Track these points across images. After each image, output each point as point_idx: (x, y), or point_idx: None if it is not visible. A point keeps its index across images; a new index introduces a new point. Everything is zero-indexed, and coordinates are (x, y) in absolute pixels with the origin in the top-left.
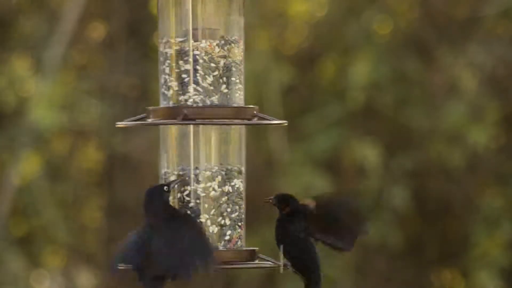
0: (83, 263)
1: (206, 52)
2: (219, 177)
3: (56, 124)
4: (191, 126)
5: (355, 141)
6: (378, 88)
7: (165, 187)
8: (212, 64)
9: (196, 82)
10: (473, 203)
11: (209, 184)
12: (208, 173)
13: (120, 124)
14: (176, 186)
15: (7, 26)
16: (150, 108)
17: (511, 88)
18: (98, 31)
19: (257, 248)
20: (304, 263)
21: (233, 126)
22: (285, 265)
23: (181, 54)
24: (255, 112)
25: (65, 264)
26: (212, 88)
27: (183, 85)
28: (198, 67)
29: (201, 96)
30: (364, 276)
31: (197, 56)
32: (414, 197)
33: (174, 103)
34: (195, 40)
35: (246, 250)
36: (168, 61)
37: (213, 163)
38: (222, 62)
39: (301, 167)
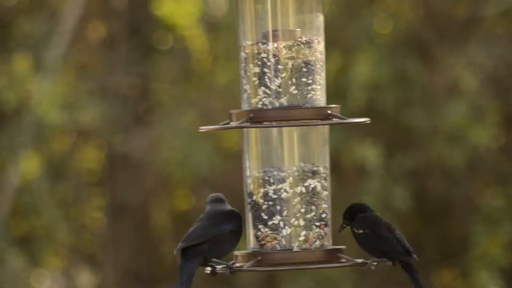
0: (83, 263)
1: (273, 54)
2: (290, 179)
3: (56, 124)
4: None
5: (355, 142)
6: (379, 88)
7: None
8: (280, 66)
9: (265, 85)
10: (473, 203)
11: (280, 186)
12: (282, 174)
13: (203, 129)
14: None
15: (7, 26)
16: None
17: (511, 88)
18: (98, 31)
19: (343, 247)
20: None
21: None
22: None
23: (252, 57)
24: (329, 112)
25: (65, 264)
26: (280, 90)
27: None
28: (265, 70)
29: (270, 99)
30: (364, 276)
31: (265, 59)
32: (414, 197)
33: (248, 106)
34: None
35: (323, 250)
36: (242, 65)
37: (286, 165)
38: (290, 63)
39: None
